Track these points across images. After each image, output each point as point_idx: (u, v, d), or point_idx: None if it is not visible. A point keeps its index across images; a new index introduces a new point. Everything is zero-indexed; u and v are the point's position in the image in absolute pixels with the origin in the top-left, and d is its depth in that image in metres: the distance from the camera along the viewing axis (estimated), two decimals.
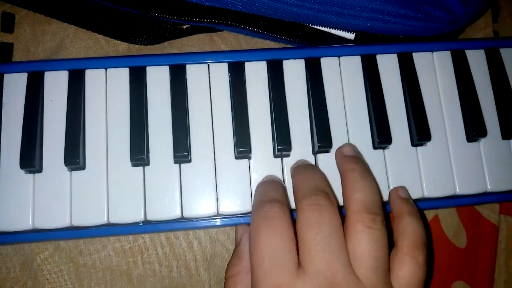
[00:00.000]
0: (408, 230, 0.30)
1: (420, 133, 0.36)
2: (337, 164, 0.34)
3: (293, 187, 0.32)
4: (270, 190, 0.31)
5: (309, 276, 0.26)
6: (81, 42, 0.42)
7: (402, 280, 0.28)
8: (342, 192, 0.31)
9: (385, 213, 0.30)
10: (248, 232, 0.31)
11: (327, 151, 0.35)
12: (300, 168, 0.33)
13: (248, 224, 0.33)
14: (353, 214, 0.29)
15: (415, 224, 0.30)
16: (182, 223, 0.34)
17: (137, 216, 0.33)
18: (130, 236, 0.38)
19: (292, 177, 0.33)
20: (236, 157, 0.35)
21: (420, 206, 0.36)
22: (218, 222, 0.35)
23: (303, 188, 0.30)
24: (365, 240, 0.27)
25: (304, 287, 0.26)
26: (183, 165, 0.35)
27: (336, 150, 0.35)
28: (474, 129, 0.37)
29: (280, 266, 0.26)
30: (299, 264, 0.27)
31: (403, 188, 0.34)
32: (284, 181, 0.35)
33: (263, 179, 0.34)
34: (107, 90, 0.36)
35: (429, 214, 0.41)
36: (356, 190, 0.30)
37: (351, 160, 0.33)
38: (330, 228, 0.27)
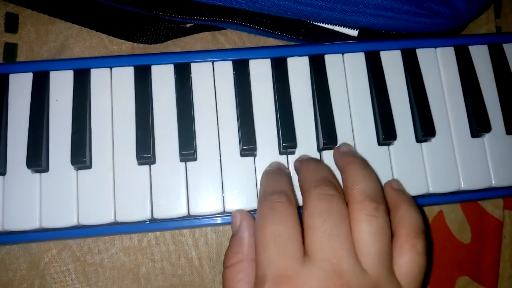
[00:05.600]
0: (406, 219, 0.30)
1: (424, 129, 0.36)
2: (336, 162, 0.34)
3: (299, 180, 0.32)
4: (278, 180, 0.31)
5: (315, 263, 0.26)
6: (85, 41, 0.42)
7: (403, 269, 0.28)
8: (343, 185, 0.31)
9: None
10: (247, 219, 0.31)
11: (332, 148, 0.36)
12: (306, 161, 0.33)
13: (247, 210, 0.33)
14: (355, 204, 0.28)
15: (413, 213, 0.30)
16: (188, 221, 0.34)
17: (143, 215, 0.34)
18: (136, 235, 0.38)
19: (298, 170, 0.33)
20: (242, 155, 0.35)
21: (425, 201, 0.37)
22: (224, 219, 0.35)
23: (310, 179, 0.30)
24: (368, 228, 0.27)
25: (310, 274, 0.26)
26: (189, 163, 0.35)
27: (334, 150, 0.35)
28: (479, 124, 0.37)
29: (286, 253, 0.26)
30: (304, 252, 0.27)
31: (396, 180, 0.35)
32: None
33: (269, 166, 0.34)
34: (112, 89, 0.36)
35: (434, 210, 0.41)
36: (357, 181, 0.30)
37: (349, 154, 0.33)
38: (338, 216, 0.27)
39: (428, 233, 0.38)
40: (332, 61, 0.38)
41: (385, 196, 0.32)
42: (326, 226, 0.27)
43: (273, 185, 0.31)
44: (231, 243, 0.31)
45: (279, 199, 0.29)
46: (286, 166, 0.35)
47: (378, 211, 0.28)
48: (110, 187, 0.34)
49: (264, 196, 0.30)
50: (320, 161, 0.34)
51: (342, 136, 0.36)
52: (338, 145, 0.36)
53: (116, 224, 0.34)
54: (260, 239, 0.28)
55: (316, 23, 0.40)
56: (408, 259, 0.28)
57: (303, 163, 0.33)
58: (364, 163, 0.32)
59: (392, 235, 0.29)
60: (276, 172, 0.33)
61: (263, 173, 0.33)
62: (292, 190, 0.31)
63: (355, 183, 0.30)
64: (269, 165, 0.35)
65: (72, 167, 0.34)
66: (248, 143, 0.35)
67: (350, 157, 0.33)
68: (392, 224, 0.30)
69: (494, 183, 0.37)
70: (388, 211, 0.30)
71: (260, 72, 0.37)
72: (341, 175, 0.32)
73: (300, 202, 0.32)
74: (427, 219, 0.41)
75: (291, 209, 0.28)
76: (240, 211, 0.32)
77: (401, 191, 0.33)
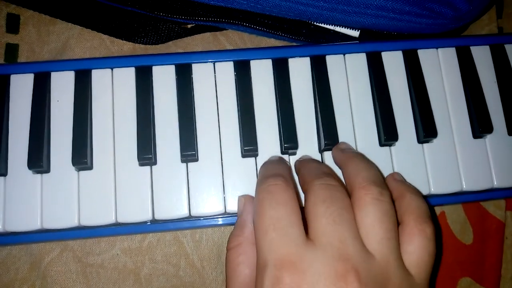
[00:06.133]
0: (412, 205, 0.29)
1: (426, 130, 0.36)
2: (335, 159, 0.34)
3: (299, 178, 0.31)
4: (274, 167, 0.31)
5: (319, 248, 0.25)
6: (86, 42, 0.42)
7: (413, 256, 0.27)
8: (345, 179, 0.30)
9: None
10: (250, 202, 0.31)
11: None
12: (306, 161, 0.33)
13: (251, 194, 0.33)
14: (360, 189, 0.28)
15: (419, 200, 0.30)
16: (189, 222, 0.34)
17: (145, 216, 0.34)
18: (137, 236, 0.38)
19: (298, 169, 0.33)
20: (243, 156, 0.35)
21: (427, 202, 0.37)
22: (225, 220, 0.35)
23: (311, 173, 0.30)
24: (373, 212, 0.27)
25: (314, 258, 0.24)
26: (190, 164, 0.35)
27: (333, 149, 0.35)
28: (480, 125, 0.37)
29: (287, 237, 0.25)
30: (308, 237, 0.26)
31: (397, 172, 0.35)
32: None
33: (268, 159, 0.34)
34: (113, 90, 0.36)
35: (436, 211, 0.41)
36: (360, 170, 0.29)
37: (349, 151, 0.33)
38: (341, 203, 0.27)
39: (435, 221, 0.37)
40: (334, 62, 0.37)
41: (389, 187, 0.32)
42: (330, 212, 0.26)
43: (271, 170, 0.30)
44: (235, 226, 0.31)
45: (276, 181, 0.28)
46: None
47: (383, 195, 0.27)
48: (111, 188, 0.34)
49: (261, 180, 0.29)
50: (320, 162, 0.34)
51: (344, 137, 0.36)
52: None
53: (117, 225, 0.34)
54: (258, 225, 0.27)
55: (318, 24, 0.40)
56: (417, 245, 0.27)
57: (303, 162, 0.33)
58: (364, 157, 0.32)
59: (398, 224, 0.28)
60: (274, 161, 0.33)
61: (262, 165, 0.33)
62: (290, 175, 0.30)
63: (358, 172, 0.29)
64: (269, 158, 0.35)
65: (73, 168, 0.34)
66: (249, 144, 0.35)
67: (350, 153, 0.32)
68: (398, 213, 0.29)
69: (496, 184, 0.37)
70: (392, 201, 0.29)
71: (261, 72, 0.37)
72: (342, 170, 0.31)
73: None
74: (433, 209, 0.40)
75: (289, 192, 0.28)
76: (244, 195, 0.32)
77: (404, 181, 0.33)
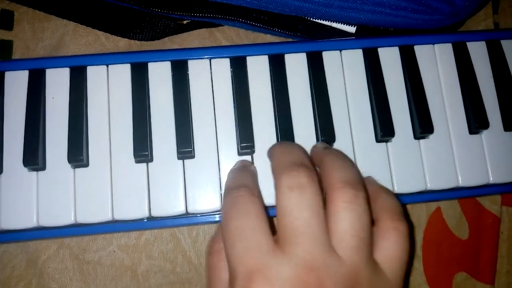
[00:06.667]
0: (386, 204, 0.30)
1: (422, 126, 0.36)
2: (313, 160, 0.32)
3: (271, 167, 0.30)
4: (239, 176, 0.31)
5: (286, 256, 0.25)
6: (81, 38, 0.41)
7: (387, 252, 0.27)
8: (322, 177, 0.29)
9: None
10: None
11: (330, 145, 0.35)
12: (277, 145, 0.32)
13: None
14: (333, 192, 0.27)
15: (393, 199, 0.30)
16: (186, 219, 0.34)
17: (141, 213, 0.34)
18: (134, 232, 0.38)
19: (269, 156, 0.32)
20: (240, 153, 0.35)
21: (423, 198, 0.37)
22: None
23: (279, 164, 0.29)
24: (346, 218, 0.26)
25: (281, 267, 0.24)
26: (186, 161, 0.35)
27: (310, 149, 0.34)
28: (476, 121, 0.37)
29: (253, 247, 0.25)
30: (276, 245, 0.26)
31: (371, 176, 0.34)
32: None
33: (234, 166, 0.34)
34: (109, 86, 0.36)
35: (432, 206, 0.41)
36: (335, 169, 0.29)
37: (326, 148, 0.33)
38: (310, 210, 0.26)
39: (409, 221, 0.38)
40: (330, 58, 0.37)
41: None
42: (297, 223, 0.26)
43: (234, 181, 0.30)
44: (217, 230, 0.30)
45: (239, 192, 0.28)
46: (252, 163, 0.35)
47: (357, 198, 0.27)
48: (108, 185, 0.34)
49: (225, 192, 0.29)
50: (292, 143, 0.33)
51: (340, 132, 0.36)
52: (337, 141, 0.35)
53: (113, 222, 0.34)
54: (225, 237, 0.27)
55: (314, 20, 0.39)
56: (392, 241, 0.28)
57: (273, 147, 0.32)
58: (342, 154, 0.32)
59: (374, 221, 0.29)
60: (238, 169, 0.33)
61: (228, 173, 0.33)
62: (254, 183, 0.30)
63: (332, 171, 0.28)
64: (235, 164, 0.34)
65: (69, 165, 0.34)
66: (245, 141, 0.35)
67: (327, 151, 0.32)
68: (373, 211, 0.29)
69: (491, 179, 0.37)
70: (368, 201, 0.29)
71: (258, 69, 0.37)
72: (320, 169, 0.30)
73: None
74: (407, 211, 0.41)
75: (252, 199, 0.27)
76: None
77: (377, 183, 0.33)
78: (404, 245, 0.28)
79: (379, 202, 0.30)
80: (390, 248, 0.27)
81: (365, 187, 0.29)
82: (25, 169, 0.34)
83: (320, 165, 0.30)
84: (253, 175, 0.32)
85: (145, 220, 0.34)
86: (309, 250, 0.25)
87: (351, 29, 0.40)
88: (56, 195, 0.34)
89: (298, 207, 0.26)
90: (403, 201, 0.36)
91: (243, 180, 0.30)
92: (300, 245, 0.25)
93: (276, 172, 0.28)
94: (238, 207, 0.27)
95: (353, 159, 0.36)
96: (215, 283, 0.28)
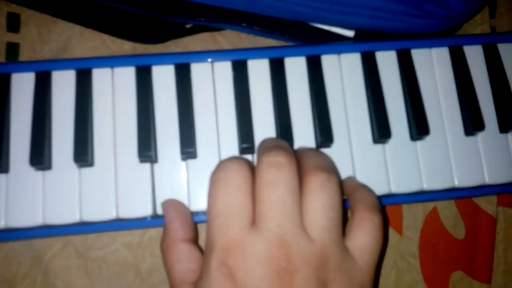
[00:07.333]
0: (364, 197, 0.31)
1: (419, 127, 0.37)
2: (296, 155, 0.33)
3: (256, 154, 0.32)
4: (233, 156, 0.31)
5: (260, 232, 0.26)
6: (87, 41, 0.42)
7: (360, 240, 0.28)
8: (300, 166, 0.30)
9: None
10: (169, 206, 0.33)
11: (329, 146, 0.36)
12: (265, 139, 0.33)
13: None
14: (307, 175, 0.28)
15: (370, 194, 0.32)
16: None
17: (145, 211, 0.34)
18: (138, 230, 0.39)
19: (258, 148, 0.33)
20: (241, 153, 0.36)
21: (420, 198, 0.38)
22: None
23: (264, 147, 0.30)
24: (318, 198, 0.27)
25: (255, 243, 0.26)
26: (189, 161, 0.35)
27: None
28: (472, 123, 0.37)
29: (234, 222, 0.27)
30: (253, 221, 0.27)
31: (352, 176, 0.36)
32: None
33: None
34: (114, 88, 0.37)
35: (428, 206, 0.42)
36: (312, 157, 0.30)
37: (306, 148, 0.35)
38: (285, 186, 0.27)
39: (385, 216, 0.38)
40: (329, 62, 0.38)
41: (343, 186, 0.33)
42: (273, 197, 0.27)
43: (229, 158, 0.30)
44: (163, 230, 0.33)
45: (232, 164, 0.29)
46: None
47: (330, 181, 0.28)
48: (112, 184, 0.34)
49: (217, 165, 0.30)
50: (279, 139, 0.34)
51: (338, 134, 0.36)
52: (335, 142, 0.36)
53: (118, 220, 0.35)
54: (211, 208, 0.28)
55: (313, 24, 0.40)
56: (364, 231, 0.29)
57: (262, 140, 0.33)
58: (320, 151, 0.34)
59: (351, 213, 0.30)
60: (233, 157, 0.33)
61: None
62: (249, 163, 0.30)
63: (309, 159, 0.30)
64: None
65: (74, 165, 0.35)
66: (246, 142, 0.35)
67: (306, 148, 0.34)
68: (351, 206, 0.31)
69: (487, 180, 0.37)
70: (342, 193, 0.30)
71: (259, 72, 0.38)
72: (300, 161, 0.31)
73: None
74: (385, 209, 0.41)
75: (242, 171, 0.28)
76: (165, 200, 0.34)
77: (359, 181, 0.35)
78: (377, 236, 0.29)
79: (357, 196, 0.31)
80: (362, 237, 0.29)
81: (338, 174, 0.30)
82: (32, 169, 0.34)
83: (299, 160, 0.31)
84: (249, 161, 0.33)
85: (149, 218, 0.35)
86: (281, 225, 0.26)
87: (350, 33, 0.41)
88: (62, 194, 0.34)
89: (275, 182, 0.27)
90: (400, 201, 0.37)
91: (238, 158, 0.30)
92: (272, 219, 0.26)
93: (259, 153, 0.30)
94: (228, 178, 0.28)
95: (350, 160, 0.36)
96: (173, 276, 0.30)
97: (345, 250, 0.28)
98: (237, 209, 0.27)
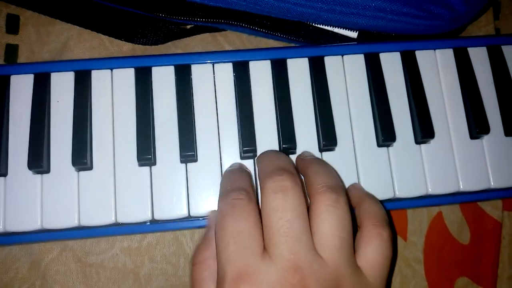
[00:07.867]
0: (371, 210, 0.31)
1: (424, 130, 0.36)
2: (298, 169, 0.34)
3: (258, 172, 0.32)
4: (237, 178, 0.31)
5: (273, 260, 0.26)
6: (86, 42, 0.42)
7: (369, 257, 0.28)
8: (306, 184, 0.31)
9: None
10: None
11: (332, 149, 0.36)
12: (264, 153, 0.33)
13: None
14: (316, 195, 0.28)
15: (377, 206, 0.31)
16: (189, 222, 0.35)
17: (144, 216, 0.34)
18: (137, 236, 0.38)
19: (257, 162, 0.33)
20: (242, 157, 0.35)
21: (424, 203, 0.37)
22: None
23: (266, 169, 0.30)
24: (328, 219, 0.27)
25: (268, 270, 0.26)
26: (189, 165, 0.35)
27: (296, 158, 0.35)
28: (477, 126, 0.37)
29: (245, 250, 0.26)
30: (264, 248, 0.27)
31: (357, 183, 0.35)
32: None
33: (229, 167, 0.34)
34: (113, 90, 0.36)
35: (433, 211, 0.41)
36: (318, 175, 0.30)
37: (310, 157, 0.34)
38: (293, 211, 0.27)
39: (393, 228, 0.38)
40: (332, 63, 0.38)
41: (349, 195, 0.33)
42: (281, 223, 0.27)
43: (232, 183, 0.31)
44: (202, 240, 0.31)
45: (238, 196, 0.29)
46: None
47: (338, 202, 0.28)
48: (111, 188, 0.34)
49: (223, 194, 0.30)
50: (278, 151, 0.34)
51: (342, 137, 0.36)
52: (339, 146, 0.36)
53: (116, 225, 0.34)
54: (220, 238, 0.28)
55: (316, 25, 0.40)
56: (374, 247, 0.29)
57: (261, 155, 0.33)
58: (324, 162, 0.33)
59: (358, 228, 0.30)
60: (235, 171, 0.33)
61: (224, 173, 0.33)
62: (252, 187, 0.30)
63: (316, 177, 0.30)
64: (230, 165, 0.35)
65: (73, 168, 0.34)
66: (248, 145, 0.35)
67: (311, 159, 0.33)
68: (358, 216, 0.31)
69: (493, 184, 0.37)
70: (353, 210, 0.30)
71: (260, 73, 0.37)
72: (304, 178, 0.32)
73: None
74: (391, 216, 0.41)
75: (251, 206, 0.28)
76: (214, 210, 0.33)
77: (363, 189, 0.34)
78: (386, 251, 0.29)
79: (363, 208, 0.31)
80: (372, 253, 0.29)
81: (346, 192, 0.30)
82: (30, 172, 0.34)
83: (304, 173, 0.32)
84: (250, 178, 0.33)
85: (148, 223, 0.34)
86: (293, 250, 0.26)
87: (353, 34, 0.40)
88: (60, 198, 0.34)
89: (282, 208, 0.27)
90: (404, 205, 0.37)
91: (241, 182, 0.31)
92: (284, 246, 0.26)
93: (262, 177, 0.30)
94: (237, 211, 0.28)
95: (354, 164, 0.36)
96: None
97: (357, 269, 0.28)
98: (247, 238, 0.27)
